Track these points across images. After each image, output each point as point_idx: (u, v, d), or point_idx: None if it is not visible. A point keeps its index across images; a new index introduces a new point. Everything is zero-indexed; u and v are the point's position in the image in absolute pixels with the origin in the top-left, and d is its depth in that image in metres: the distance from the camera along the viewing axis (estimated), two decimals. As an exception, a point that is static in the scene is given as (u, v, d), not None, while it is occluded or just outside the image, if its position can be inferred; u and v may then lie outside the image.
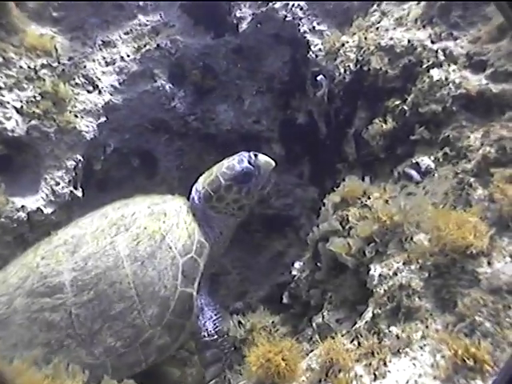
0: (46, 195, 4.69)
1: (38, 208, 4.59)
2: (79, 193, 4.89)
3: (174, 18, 5.59)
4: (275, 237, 5.63)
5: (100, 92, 5.29)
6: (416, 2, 4.24)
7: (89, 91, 5.28)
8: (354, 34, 4.50)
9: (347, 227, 3.51)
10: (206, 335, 3.87)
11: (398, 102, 3.81)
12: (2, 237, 4.50)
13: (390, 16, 4.35)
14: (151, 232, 3.87)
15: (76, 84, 5.24)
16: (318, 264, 3.77)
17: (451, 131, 3.42)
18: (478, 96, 3.41)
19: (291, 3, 5.05)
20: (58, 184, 4.74)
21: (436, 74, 3.63)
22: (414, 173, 3.46)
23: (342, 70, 4.37)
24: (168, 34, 5.53)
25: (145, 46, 5.48)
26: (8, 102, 4.76)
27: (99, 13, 5.56)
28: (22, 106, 4.80)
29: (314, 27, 4.93)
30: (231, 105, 5.59)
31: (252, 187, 4.11)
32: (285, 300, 4.21)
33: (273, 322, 4.09)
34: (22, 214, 4.58)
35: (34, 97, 4.86)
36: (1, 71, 4.87)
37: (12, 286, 3.71)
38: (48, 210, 4.64)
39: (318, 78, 4.60)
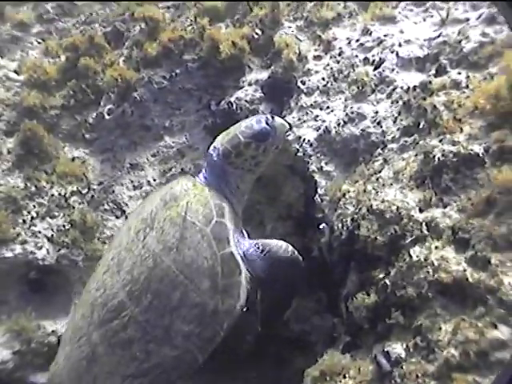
0: (76, 319, 5.05)
1: (68, 331, 4.96)
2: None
3: (198, 139, 5.93)
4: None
5: (126, 217, 5.60)
6: (414, 153, 4.21)
7: (117, 216, 5.63)
8: (357, 181, 4.51)
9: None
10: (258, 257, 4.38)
11: (381, 276, 3.78)
12: (33, 360, 4.92)
13: (391, 165, 4.33)
14: (171, 219, 4.19)
15: (105, 210, 5.62)
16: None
17: (425, 319, 3.36)
18: (455, 283, 3.35)
19: (302, 138, 5.14)
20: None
21: (416, 252, 3.60)
22: (384, 361, 3.43)
23: (340, 225, 4.39)
24: (192, 157, 5.86)
25: (170, 169, 5.81)
26: (39, 232, 5.22)
27: (127, 134, 6.00)
28: (52, 235, 5.23)
29: (321, 167, 4.96)
30: (254, 228, 5.68)
31: (268, 145, 4.54)
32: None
33: None
34: (53, 339, 5.01)
35: (64, 226, 5.30)
36: (34, 200, 5.32)
37: (84, 327, 4.13)
38: (78, 334, 5.00)
39: (321, 226, 4.66)
